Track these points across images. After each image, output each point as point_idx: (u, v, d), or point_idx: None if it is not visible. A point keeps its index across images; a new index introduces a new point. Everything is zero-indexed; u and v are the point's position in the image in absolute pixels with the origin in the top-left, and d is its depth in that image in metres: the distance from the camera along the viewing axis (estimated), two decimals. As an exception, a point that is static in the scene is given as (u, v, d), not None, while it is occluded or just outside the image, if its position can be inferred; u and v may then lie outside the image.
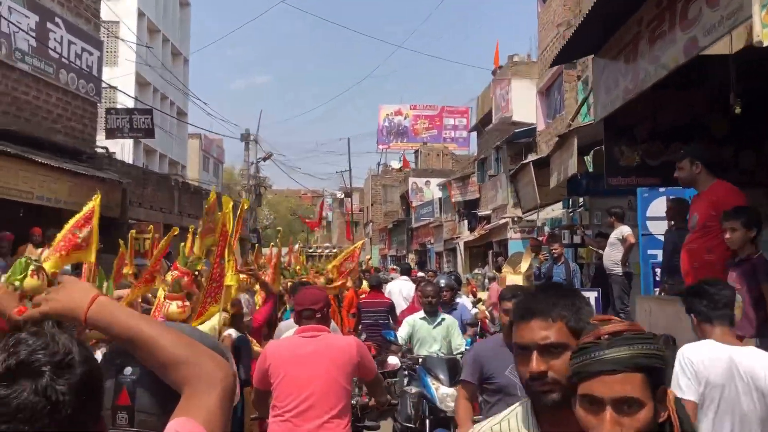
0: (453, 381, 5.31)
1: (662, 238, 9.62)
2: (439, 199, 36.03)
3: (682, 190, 8.87)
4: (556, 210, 14.45)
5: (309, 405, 3.54)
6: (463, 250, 30.55)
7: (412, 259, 38.76)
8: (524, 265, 17.29)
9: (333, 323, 5.20)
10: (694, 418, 3.02)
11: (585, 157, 10.94)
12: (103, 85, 21.13)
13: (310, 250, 31.11)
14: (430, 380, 5.40)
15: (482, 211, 28.43)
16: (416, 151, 47.27)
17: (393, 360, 6.30)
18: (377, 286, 10.38)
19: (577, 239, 11.55)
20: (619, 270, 9.15)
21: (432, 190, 39.80)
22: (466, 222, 31.63)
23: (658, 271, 9.26)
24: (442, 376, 5.38)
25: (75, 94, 14.50)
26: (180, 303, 5.43)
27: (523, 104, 23.15)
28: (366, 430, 4.36)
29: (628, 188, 8.35)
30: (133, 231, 12.59)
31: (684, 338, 6.12)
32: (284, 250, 29.37)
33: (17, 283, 4.88)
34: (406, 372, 6.12)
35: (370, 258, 38.04)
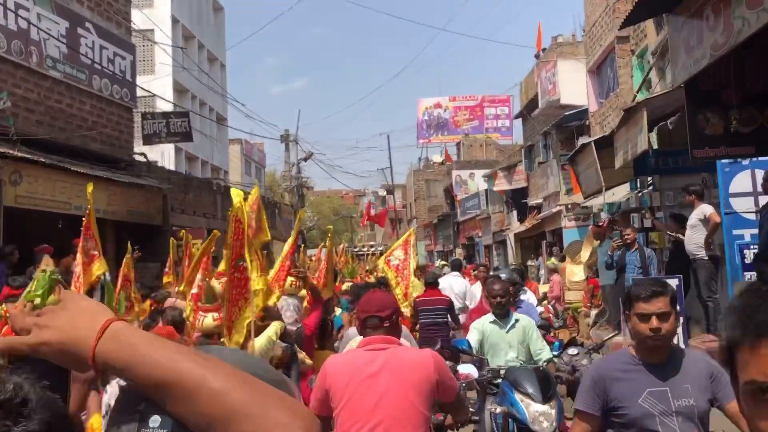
0: (546, 396, 4.51)
1: (750, 216, 8.67)
2: (485, 190, 35.03)
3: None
4: (617, 194, 13.44)
5: (380, 430, 2.95)
6: (513, 242, 29.56)
7: (459, 253, 37.88)
8: (585, 254, 16.36)
9: (405, 329, 4.56)
10: None
11: (648, 134, 10.01)
12: (141, 92, 20.91)
13: (356, 249, 30.66)
14: (518, 396, 4.52)
15: (532, 201, 27.40)
16: (458, 143, 46.26)
17: (466, 369, 5.30)
18: (434, 283, 9.56)
19: (647, 223, 10.59)
20: (703, 253, 8.17)
21: (477, 182, 38.78)
22: (515, 213, 30.60)
23: (746, 253, 8.32)
24: (531, 391, 4.51)
25: (109, 100, 14.13)
26: (216, 315, 4.80)
27: (571, 86, 22.15)
28: None
29: (717, 159, 7.43)
30: (189, 236, 12.16)
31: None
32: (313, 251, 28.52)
33: (37, 300, 4.28)
34: (490, 390, 5.05)
35: (417, 255, 37.30)
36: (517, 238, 29.39)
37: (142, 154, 15.43)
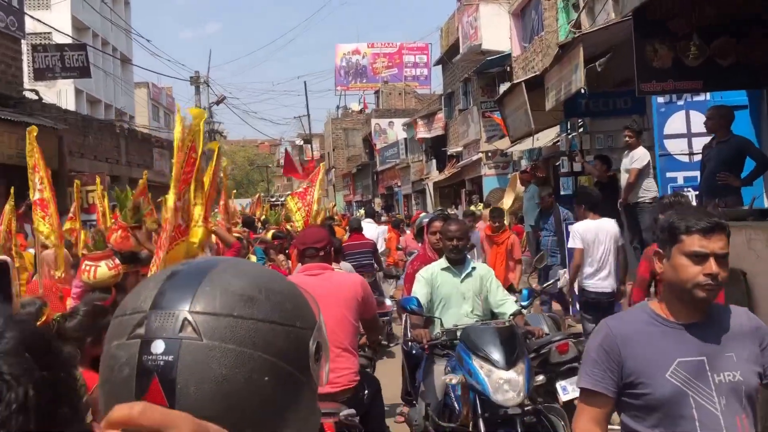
0: (510, 360, 3.79)
1: (684, 158, 8.47)
2: (405, 139, 34.59)
3: (720, 98, 7.68)
4: (543, 138, 13.17)
5: None
6: (432, 191, 29.35)
7: (378, 203, 37.54)
8: (507, 201, 16.15)
9: (347, 263, 5.17)
10: None
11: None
12: (36, 28, 18.94)
13: (272, 199, 29.70)
14: (476, 363, 3.78)
15: (452, 149, 27.15)
16: (377, 92, 45.44)
17: (388, 302, 6.11)
18: (357, 229, 10.48)
19: (577, 167, 10.31)
20: (647, 197, 7.78)
21: (396, 131, 38.28)
22: (434, 161, 30.35)
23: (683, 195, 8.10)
24: (494, 355, 3.78)
25: (-8, 29, 12.56)
26: (111, 263, 4.02)
27: (494, 30, 21.69)
28: (361, 366, 4.09)
29: (664, 93, 7.08)
30: (78, 182, 11.05)
31: (756, 270, 4.96)
32: (246, 201, 27.65)
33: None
34: (439, 352, 4.35)
35: (335, 205, 36.68)
36: (436, 187, 29.19)
37: (34, 90, 13.91)
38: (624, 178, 8.02)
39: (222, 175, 5.54)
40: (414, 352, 5.08)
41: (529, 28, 18.37)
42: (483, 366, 3.78)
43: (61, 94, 28.91)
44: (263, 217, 15.19)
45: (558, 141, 11.83)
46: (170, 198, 3.71)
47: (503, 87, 21.31)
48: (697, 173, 7.12)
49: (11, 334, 0.70)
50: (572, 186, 10.42)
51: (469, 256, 4.78)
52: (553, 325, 5.62)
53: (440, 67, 31.04)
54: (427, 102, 37.77)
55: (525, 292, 4.73)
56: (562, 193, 10.89)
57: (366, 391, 3.84)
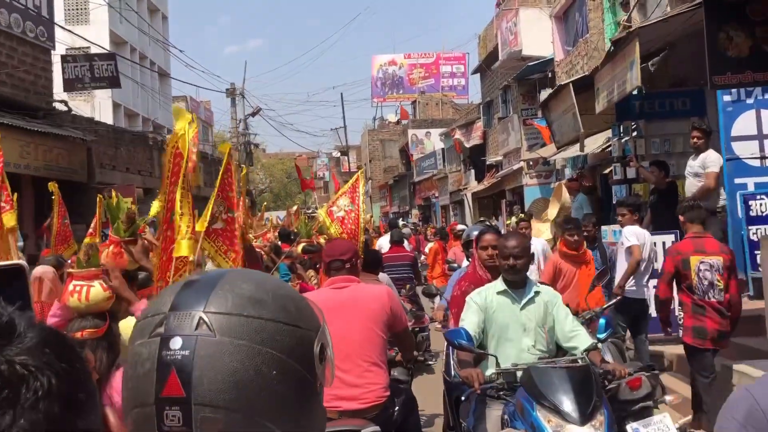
0: (586, 412, 3.00)
1: (755, 162, 7.64)
2: (442, 149, 33.91)
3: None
4: (590, 145, 12.35)
5: (346, 355, 3.37)
6: (471, 202, 28.57)
7: (416, 214, 36.88)
8: (552, 211, 15.26)
9: (385, 275, 5.28)
10: None
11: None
12: (73, 42, 18.85)
13: (309, 211, 29.29)
14: (542, 415, 3.02)
15: (491, 158, 26.37)
16: (414, 102, 44.89)
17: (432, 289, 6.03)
18: (398, 241, 10.42)
19: (631, 173, 9.50)
20: (719, 203, 7.00)
21: (433, 141, 37.66)
22: (473, 171, 29.58)
23: (752, 204, 7.29)
24: (564, 406, 3.00)
25: (21, 39, 12.33)
26: (105, 283, 3.43)
27: (534, 35, 20.95)
28: (397, 382, 4.04)
29: (741, 86, 6.31)
30: (101, 196, 10.68)
31: None
32: (282, 213, 27.39)
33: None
34: (493, 393, 3.51)
35: (372, 216, 36.13)
36: (475, 198, 28.43)
37: (63, 101, 13.65)
38: (691, 184, 7.20)
39: (241, 183, 5.00)
40: (456, 380, 4.36)
41: (572, 31, 17.59)
42: (551, 419, 3.00)
43: (98, 107, 28.99)
44: (295, 229, 14.69)
45: (609, 146, 11.03)
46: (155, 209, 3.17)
47: (545, 93, 20.50)
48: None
49: (32, 333, 0.79)
50: (627, 193, 9.63)
51: (532, 277, 4.05)
52: (617, 352, 4.89)
53: (478, 76, 30.34)
54: (465, 111, 37.08)
55: (603, 321, 3.84)
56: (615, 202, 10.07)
57: (397, 408, 3.64)
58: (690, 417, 5.42)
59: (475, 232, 5.32)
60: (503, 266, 3.76)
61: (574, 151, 13.48)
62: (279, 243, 9.69)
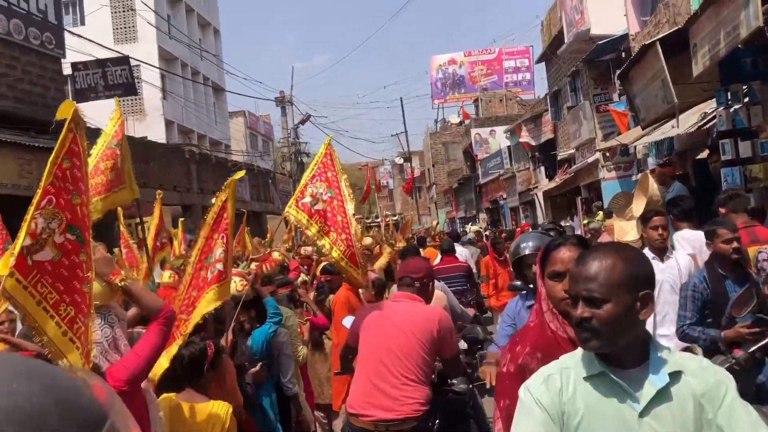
0: None
1: None
2: (508, 147, 31.66)
3: None
4: (686, 122, 10.09)
5: (384, 365, 3.58)
6: (542, 202, 26.26)
7: (483, 218, 34.73)
8: (638, 207, 12.95)
9: (441, 284, 5.73)
10: None
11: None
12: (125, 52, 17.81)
13: (368, 221, 27.73)
14: None
15: (562, 153, 24.06)
16: (476, 100, 42.70)
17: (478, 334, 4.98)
18: (449, 251, 9.62)
19: (744, 149, 7.29)
20: None
21: (498, 139, 35.43)
22: (542, 169, 27.27)
23: None
24: None
25: (24, 47, 11.12)
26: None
27: (603, 12, 18.70)
28: (453, 393, 4.06)
29: None
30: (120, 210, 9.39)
31: None
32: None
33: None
34: None
35: (438, 223, 34.17)
36: (546, 197, 26.10)
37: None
38: None
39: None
40: None
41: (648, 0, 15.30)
42: None
43: (150, 126, 28.22)
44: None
45: (709, 121, 8.80)
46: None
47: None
48: None
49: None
50: (740, 177, 7.43)
51: (664, 351, 1.96)
52: None
53: (543, 67, 28.02)
54: (531, 106, 34.73)
55: None
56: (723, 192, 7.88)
57: (437, 421, 3.78)
58: None
59: (527, 247, 3.47)
60: (573, 320, 1.79)
61: (660, 133, 11.22)
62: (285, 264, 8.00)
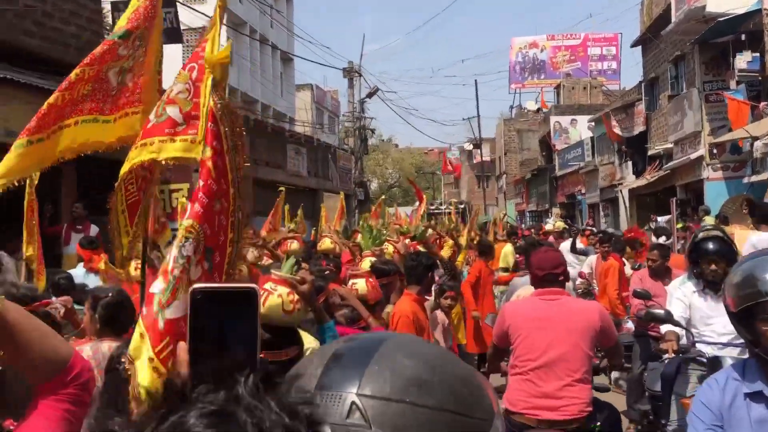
0: None
1: None
2: (591, 138, 29.14)
3: None
4: None
5: (549, 367, 3.58)
6: (627, 200, 23.78)
7: (557, 213, 32.26)
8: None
9: (520, 279, 6.25)
10: None
11: None
12: (191, 22, 16.43)
13: (432, 207, 25.89)
14: None
15: (657, 147, 21.55)
16: (557, 86, 40.00)
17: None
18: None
19: None
20: None
21: (579, 129, 32.88)
22: (629, 164, 24.75)
23: None
24: None
25: (56, -21, 9.63)
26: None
27: (723, -15, 16.16)
28: (596, 390, 3.88)
29: None
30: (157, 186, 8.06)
31: None
32: (409, 209, 24.33)
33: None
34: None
35: (506, 214, 31.90)
36: (632, 195, 23.62)
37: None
38: None
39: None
40: None
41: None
42: None
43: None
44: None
45: None
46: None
47: (740, 59, 15.75)
48: None
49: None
50: None
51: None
52: None
53: (631, 55, 25.33)
54: (618, 96, 31.99)
55: None
56: None
57: (598, 423, 3.71)
58: None
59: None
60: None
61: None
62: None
